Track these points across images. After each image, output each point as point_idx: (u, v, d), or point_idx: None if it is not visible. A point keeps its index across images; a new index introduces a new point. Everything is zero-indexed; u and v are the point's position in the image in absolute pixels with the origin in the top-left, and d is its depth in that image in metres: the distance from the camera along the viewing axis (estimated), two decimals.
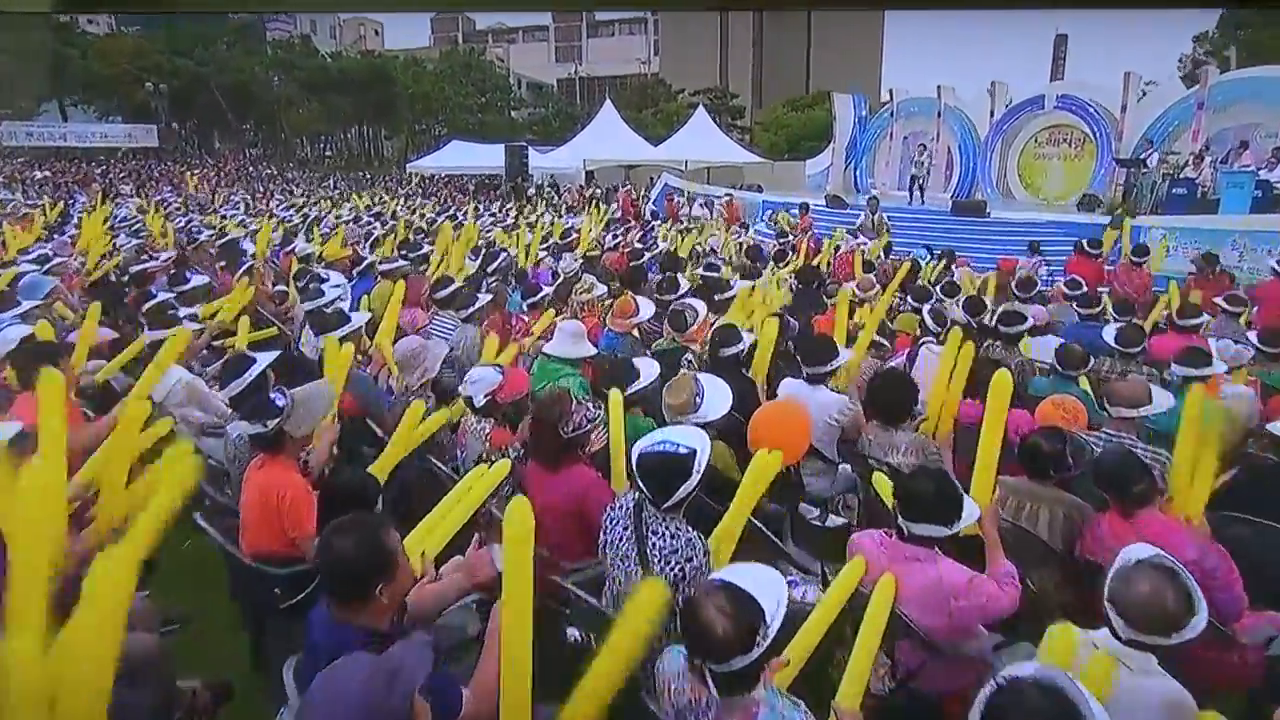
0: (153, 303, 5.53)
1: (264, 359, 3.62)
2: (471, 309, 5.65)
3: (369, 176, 31.25)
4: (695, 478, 2.57)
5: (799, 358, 4.63)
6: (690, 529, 2.65)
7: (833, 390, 4.68)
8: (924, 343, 5.41)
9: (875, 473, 3.30)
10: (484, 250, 8.31)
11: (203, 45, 33.99)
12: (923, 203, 18.29)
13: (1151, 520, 2.97)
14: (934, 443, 3.90)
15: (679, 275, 7.35)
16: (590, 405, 3.26)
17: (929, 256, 9.87)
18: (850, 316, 6.71)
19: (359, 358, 4.50)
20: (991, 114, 20.48)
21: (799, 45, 59.50)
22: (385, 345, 4.89)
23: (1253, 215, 13.01)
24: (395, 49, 54.16)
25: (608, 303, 6.53)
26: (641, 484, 2.62)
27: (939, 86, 21.51)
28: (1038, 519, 3.32)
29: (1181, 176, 14.84)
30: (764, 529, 3.33)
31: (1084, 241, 9.15)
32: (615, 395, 3.39)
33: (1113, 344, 5.59)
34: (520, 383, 3.72)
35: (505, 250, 9.17)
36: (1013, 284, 7.38)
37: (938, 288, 7.62)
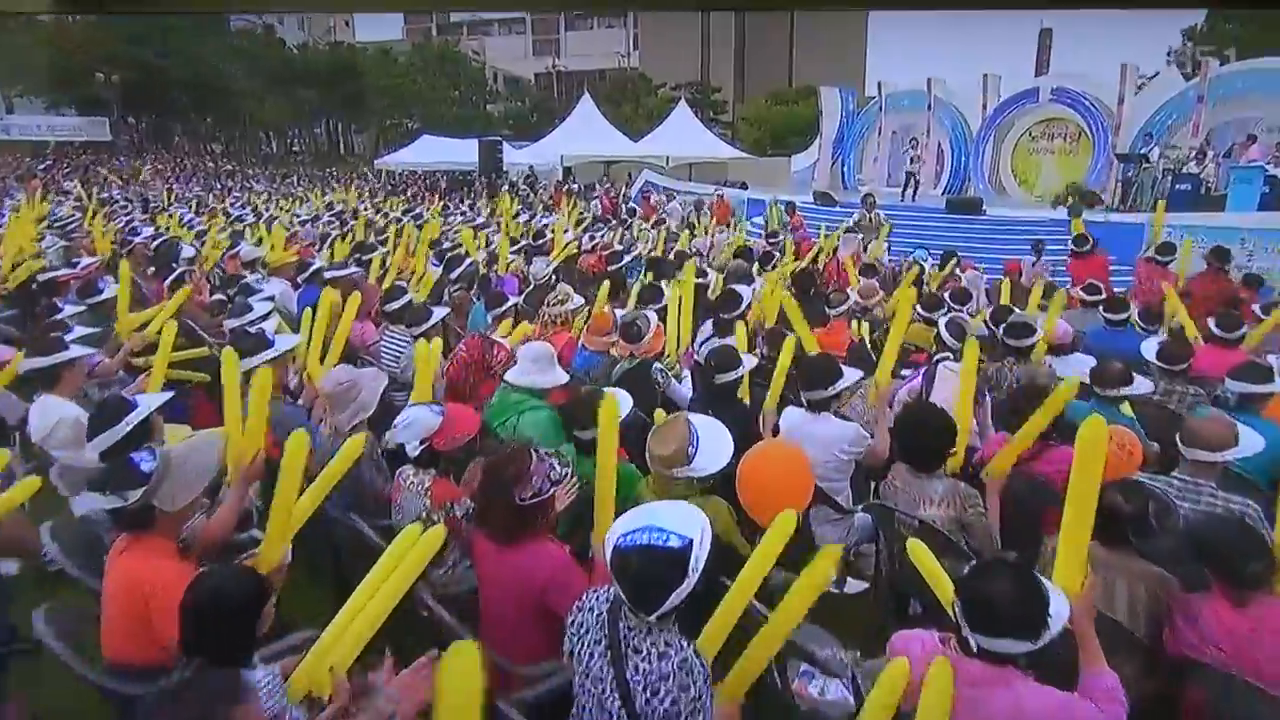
0: (49, 320, 4.78)
1: (147, 404, 2.92)
2: (424, 325, 4.96)
3: (336, 173, 30.28)
4: (691, 579, 1.92)
5: (797, 381, 4.02)
6: (685, 642, 2.00)
7: (841, 417, 4.06)
8: (941, 359, 4.80)
9: (910, 541, 2.66)
10: (447, 254, 7.59)
11: (160, 35, 32.79)
12: (914, 199, 17.77)
13: (1273, 611, 2.36)
14: (975, 492, 3.27)
15: (663, 283, 6.72)
16: (555, 462, 2.60)
17: (929, 258, 9.30)
18: (848, 326, 6.14)
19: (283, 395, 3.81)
20: (984, 107, 20.05)
21: (782, 38, 59.07)
22: (316, 373, 4.20)
23: (1262, 213, 12.60)
24: (366, 40, 53.02)
25: (587, 314, 5.89)
26: (620, 587, 1.97)
27: (929, 79, 21.05)
28: (1113, 596, 2.72)
29: (1184, 172, 14.44)
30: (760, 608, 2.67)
31: (1072, 240, 8.62)
32: (605, 443, 2.67)
33: (1155, 360, 5.02)
34: (466, 424, 3.05)
35: (479, 254, 8.48)
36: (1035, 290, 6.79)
37: (947, 294, 7.03)
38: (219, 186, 23.56)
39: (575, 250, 9.79)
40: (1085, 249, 8.48)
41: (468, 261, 7.13)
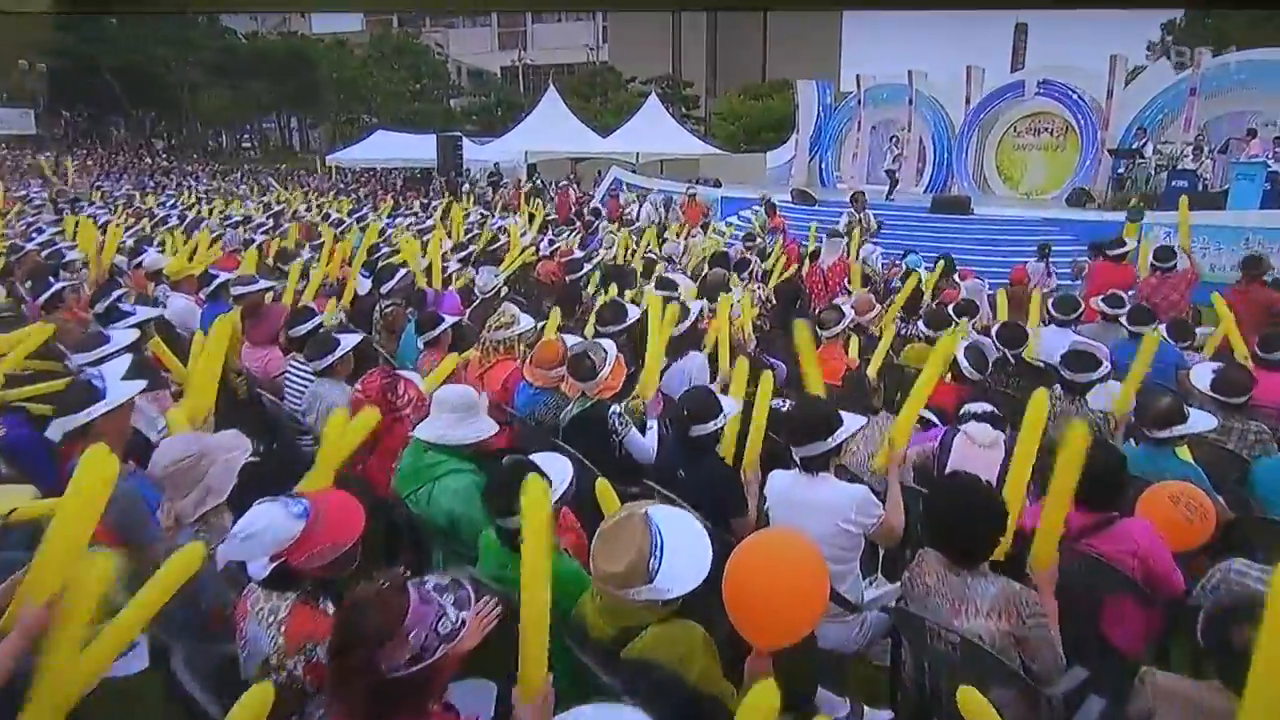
0: None
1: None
2: (326, 360, 4.09)
3: (287, 170, 28.98)
4: None
5: (784, 433, 3.22)
6: None
7: (843, 478, 3.26)
8: (963, 424, 3.87)
9: (963, 691, 1.85)
10: (379, 265, 6.70)
11: (90, 20, 31.07)
12: (892, 198, 17.17)
13: None
14: (1036, 599, 2.49)
15: (627, 296, 5.92)
16: (450, 603, 1.76)
17: (922, 264, 8.58)
18: (845, 350, 5.37)
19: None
20: (967, 101, 19.54)
21: (755, 31, 58.58)
22: (178, 424, 3.32)
23: (1266, 211, 12.13)
24: (323, 32, 51.53)
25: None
26: None
27: (909, 72, 20.48)
28: None
29: (1180, 168, 13.98)
30: None
31: (1104, 243, 7.92)
32: (531, 558, 1.84)
33: (1209, 391, 4.31)
34: (340, 530, 2.18)
35: (421, 262, 7.57)
36: (1049, 304, 6.07)
37: (951, 307, 6.30)
38: (153, 184, 22.23)
39: (532, 257, 8.95)
40: (1119, 251, 7.78)
41: (402, 273, 6.24)
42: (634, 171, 25.77)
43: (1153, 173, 14.30)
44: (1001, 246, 13.75)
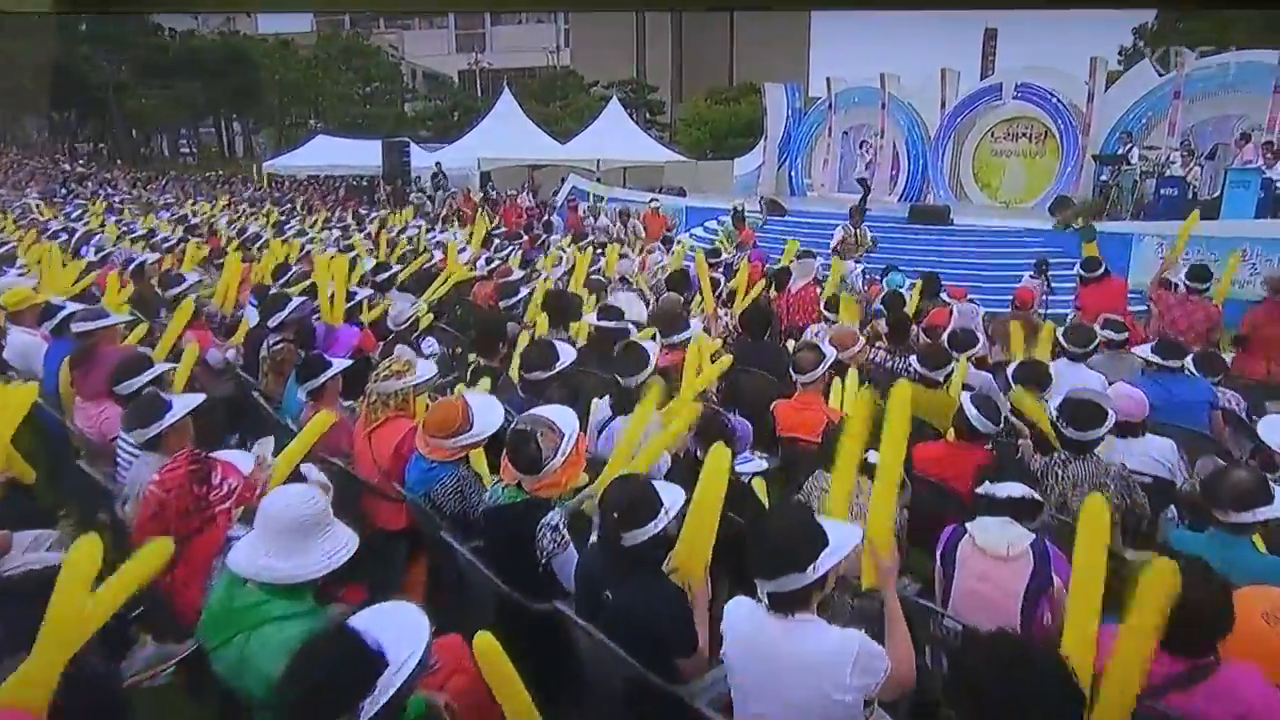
0: None
1: None
2: (153, 428, 3.17)
3: (220, 177, 27.60)
4: None
5: (749, 556, 2.32)
6: None
7: (831, 622, 2.40)
8: (974, 521, 3.02)
9: None
10: (271, 292, 5.75)
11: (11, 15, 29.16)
12: (866, 208, 16.53)
13: None
14: None
15: (560, 337, 5.07)
16: None
17: (905, 282, 7.84)
18: (825, 397, 4.55)
19: None
20: (942, 105, 19.12)
21: (722, 34, 58.29)
22: None
23: (1262, 220, 11.67)
24: (271, 32, 50.03)
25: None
26: None
27: (882, 75, 19.99)
28: None
29: (1168, 175, 13.54)
30: None
31: (1080, 264, 7.24)
32: None
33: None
34: None
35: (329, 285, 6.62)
36: (1061, 332, 5.32)
37: (946, 337, 5.54)
38: (64, 192, 20.83)
39: (467, 275, 8.05)
40: (1097, 274, 7.12)
41: (296, 302, 5.30)
42: (598, 180, 25.01)
43: (1139, 179, 13.86)
44: (984, 259, 13.17)
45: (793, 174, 22.64)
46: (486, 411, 3.45)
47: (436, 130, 40.28)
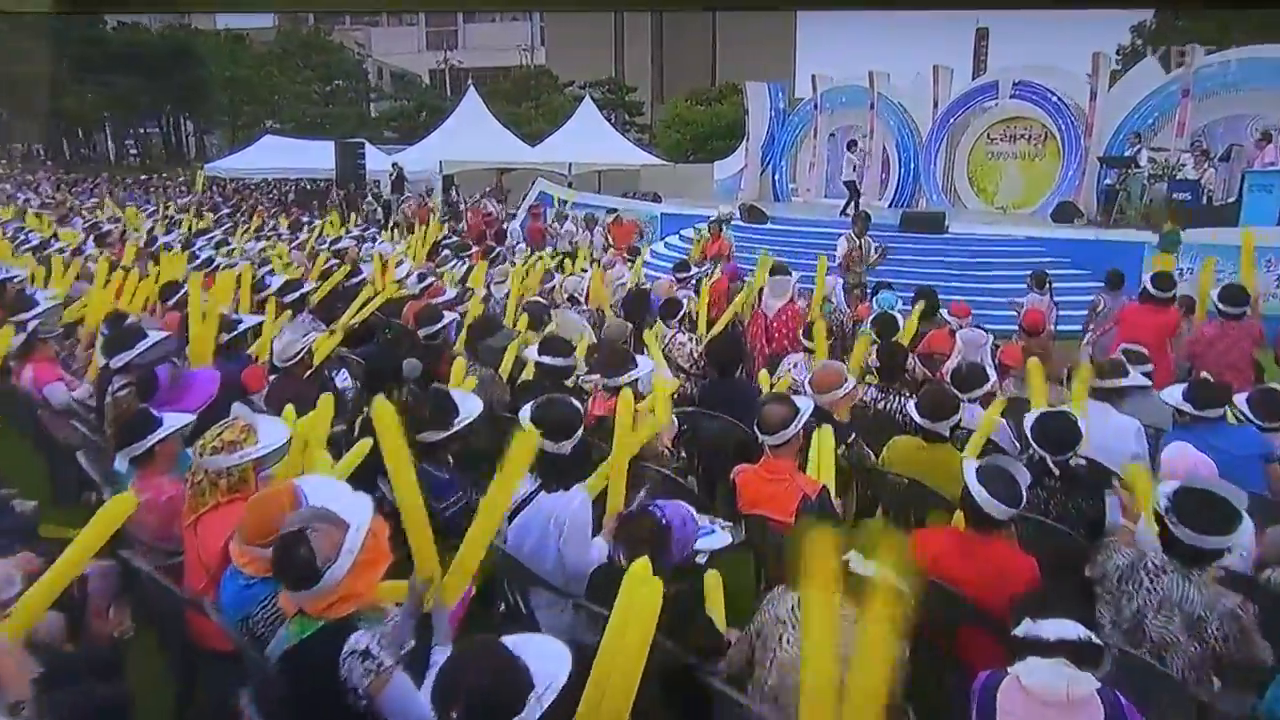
0: None
1: None
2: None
3: (157, 181, 26.41)
4: None
5: None
6: None
7: None
8: (1018, 664, 2.17)
9: None
10: (122, 326, 4.86)
11: None
12: (847, 214, 15.83)
13: None
14: None
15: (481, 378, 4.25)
16: None
17: (898, 302, 7.05)
18: (804, 456, 3.74)
19: None
20: (935, 105, 18.53)
21: (704, 32, 57.92)
22: None
23: None
24: (229, 27, 48.91)
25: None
26: None
27: (870, 73, 19.36)
28: None
29: (1179, 178, 12.95)
30: None
31: (1149, 279, 6.41)
32: None
33: None
34: None
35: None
36: (1096, 372, 4.53)
37: (949, 375, 4.76)
38: None
39: (397, 295, 7.20)
40: (1167, 295, 6.31)
41: (147, 340, 4.42)
42: (569, 185, 24.25)
43: (1148, 183, 13.25)
44: (983, 270, 12.47)
45: (776, 178, 21.95)
46: (334, 500, 2.59)
47: (402, 131, 39.43)
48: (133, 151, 40.07)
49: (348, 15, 67.65)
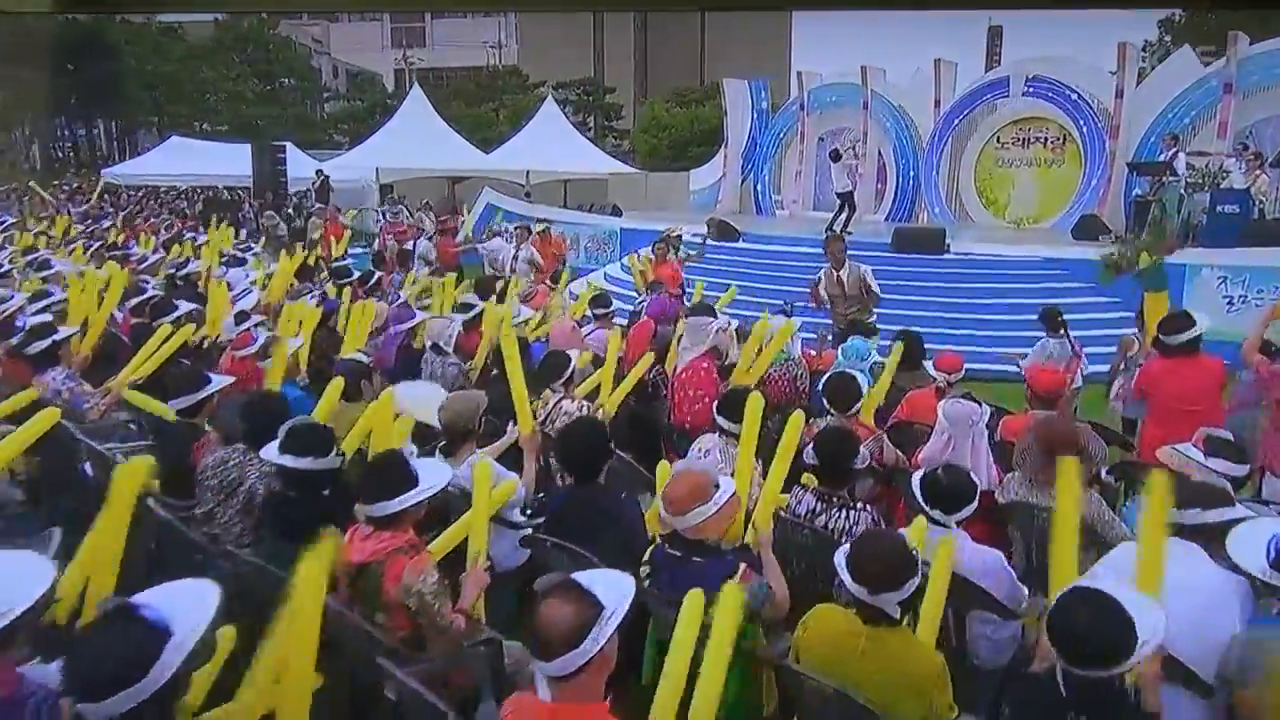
0: None
1: None
2: None
3: (74, 186, 24.90)
4: None
5: None
6: None
7: None
8: None
9: None
10: None
11: None
12: (835, 229, 14.61)
13: None
14: None
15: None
16: None
17: (870, 355, 5.66)
18: None
19: None
20: (936, 104, 17.62)
21: (691, 28, 57.13)
22: None
23: None
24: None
25: None
26: None
27: (863, 68, 18.32)
28: None
29: (1224, 187, 11.84)
30: None
31: (1158, 329, 5.07)
32: None
33: None
34: None
35: None
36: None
37: (921, 480, 3.39)
38: None
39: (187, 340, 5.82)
40: (1182, 339, 5.00)
41: None
42: (526, 196, 23.08)
43: (1186, 194, 12.11)
44: (989, 298, 11.20)
45: (758, 189, 20.88)
46: None
47: (353, 135, 38.22)
48: (59, 155, 38.61)
49: (328, 12, 66.93)
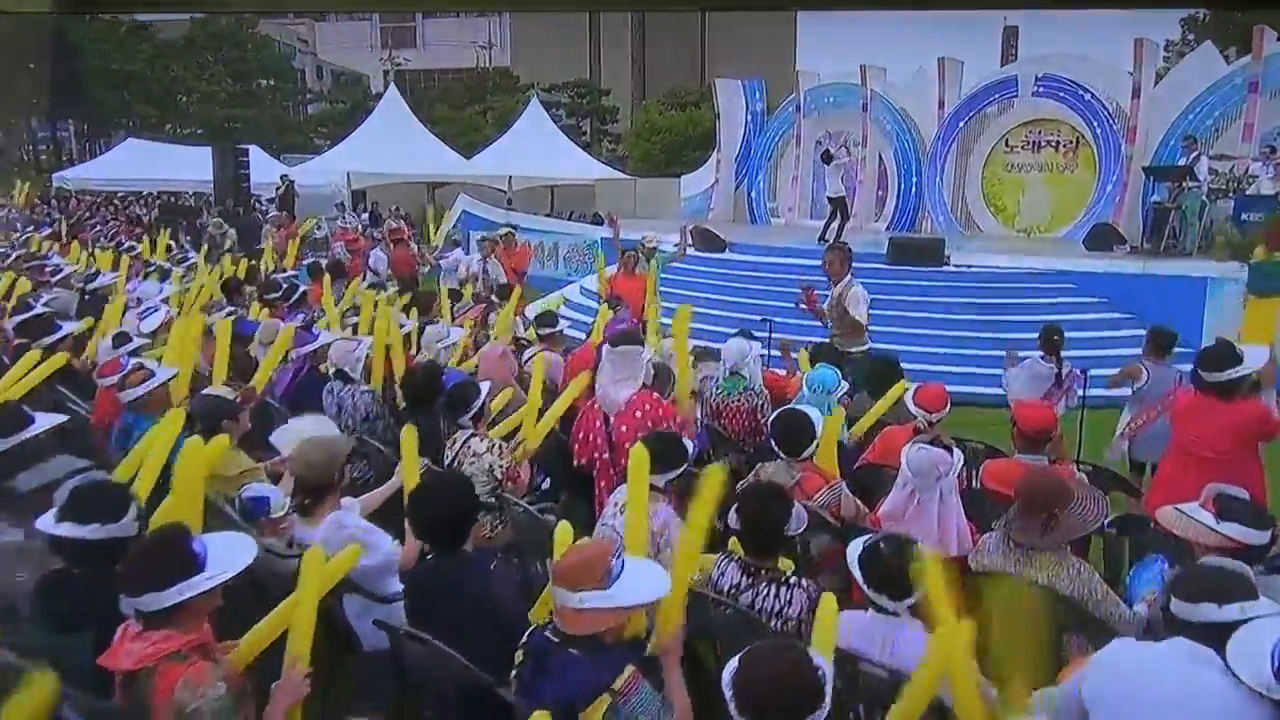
0: None
1: None
2: None
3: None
4: None
5: None
6: None
7: None
8: None
9: None
10: None
11: None
12: (840, 238, 14.06)
13: None
14: None
15: None
16: None
17: (838, 386, 5.08)
18: None
19: None
20: (941, 105, 17.17)
21: (692, 27, 56.94)
22: None
23: None
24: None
25: None
26: None
27: (862, 67, 17.87)
28: None
29: (1249, 194, 11.39)
30: None
31: (1201, 356, 4.48)
32: None
33: None
34: None
35: None
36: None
37: (854, 559, 2.84)
38: None
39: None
40: (1224, 378, 4.37)
41: None
42: (509, 204, 22.65)
43: (1208, 200, 11.73)
44: (991, 315, 10.64)
45: (753, 195, 20.43)
46: None
47: (334, 138, 37.90)
48: (27, 159, 38.30)
49: (317, 13, 66.96)
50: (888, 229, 17.19)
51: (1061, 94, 15.56)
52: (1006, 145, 16.73)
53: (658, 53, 58.11)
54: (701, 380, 5.86)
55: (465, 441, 4.63)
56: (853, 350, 6.74)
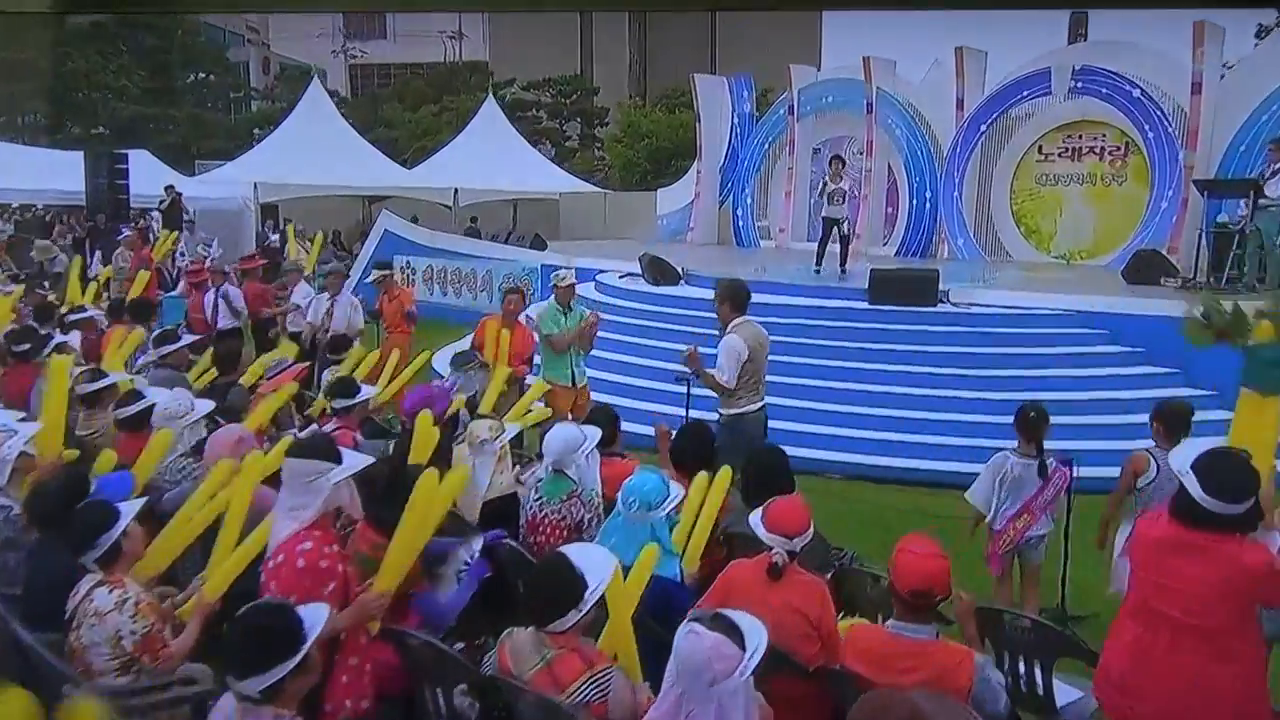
0: None
1: None
2: None
3: None
4: None
5: None
6: None
7: None
8: None
9: None
10: None
11: None
12: (843, 271, 13.31)
13: None
14: None
15: None
16: None
17: (661, 497, 3.98)
18: None
19: None
20: (960, 105, 16.67)
21: (700, 16, 57.08)
22: None
23: None
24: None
25: None
26: None
27: (865, 59, 17.34)
28: None
29: None
30: None
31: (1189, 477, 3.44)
32: None
33: None
34: None
35: None
36: None
37: None
38: None
39: None
40: (1232, 509, 3.24)
41: None
42: (414, 220, 22.10)
43: None
44: (994, 369, 9.61)
45: (739, 213, 19.79)
46: None
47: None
48: None
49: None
50: (897, 254, 16.55)
51: (1105, 90, 14.99)
52: (1040, 153, 16.32)
53: (661, 52, 58.16)
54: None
55: (89, 592, 3.63)
56: (724, 412, 5.93)
